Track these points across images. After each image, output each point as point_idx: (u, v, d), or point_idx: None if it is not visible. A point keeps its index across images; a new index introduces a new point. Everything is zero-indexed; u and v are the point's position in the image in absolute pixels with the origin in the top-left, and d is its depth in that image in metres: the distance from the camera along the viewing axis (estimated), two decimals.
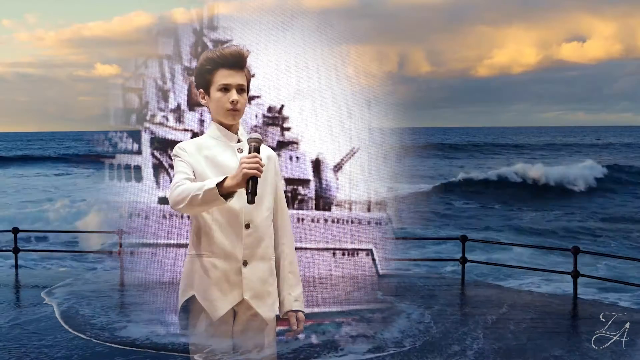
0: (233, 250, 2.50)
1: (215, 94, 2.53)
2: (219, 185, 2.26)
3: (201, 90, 2.58)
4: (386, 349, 5.55)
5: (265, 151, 2.61)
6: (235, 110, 2.52)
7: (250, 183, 2.26)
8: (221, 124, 2.57)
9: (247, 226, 2.51)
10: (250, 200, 2.28)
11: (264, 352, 2.62)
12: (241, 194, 2.46)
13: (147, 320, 6.03)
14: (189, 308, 2.55)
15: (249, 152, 2.34)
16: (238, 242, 2.50)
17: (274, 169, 2.65)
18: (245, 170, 2.25)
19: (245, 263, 2.52)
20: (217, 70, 2.52)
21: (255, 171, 2.26)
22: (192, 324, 2.54)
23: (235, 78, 2.52)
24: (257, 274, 2.54)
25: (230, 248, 2.49)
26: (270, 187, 2.61)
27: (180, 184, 2.37)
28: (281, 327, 2.73)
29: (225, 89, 2.52)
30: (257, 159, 2.28)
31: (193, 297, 2.52)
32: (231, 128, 2.56)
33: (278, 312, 2.66)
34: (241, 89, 2.54)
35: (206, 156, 2.49)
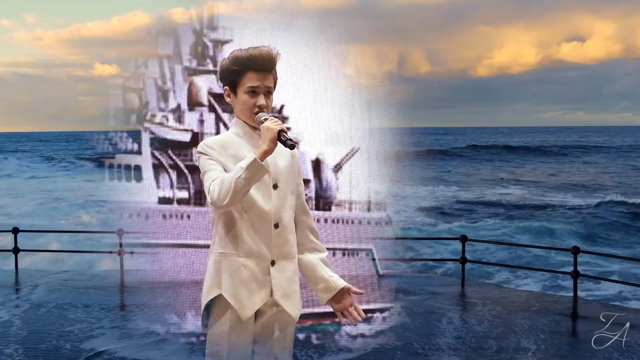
0: (262, 249, 2.50)
1: (242, 95, 2.53)
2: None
3: (227, 87, 2.57)
4: (377, 348, 5.56)
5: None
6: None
7: (281, 136, 2.39)
8: (246, 123, 2.57)
9: (276, 226, 2.52)
10: (292, 145, 2.40)
11: (284, 346, 2.63)
12: (270, 194, 2.50)
13: (131, 329, 6.02)
14: (214, 308, 2.53)
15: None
16: (267, 242, 2.51)
17: (297, 167, 2.67)
18: (272, 127, 2.38)
19: (272, 262, 2.53)
20: (246, 72, 2.51)
21: (281, 125, 2.40)
22: (217, 324, 2.53)
23: (264, 81, 2.52)
24: (284, 273, 2.55)
25: (259, 248, 2.50)
26: (295, 186, 2.63)
27: (216, 178, 2.39)
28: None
29: (253, 92, 2.51)
30: (275, 119, 2.44)
31: (218, 296, 2.51)
32: (256, 128, 2.56)
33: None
34: (268, 92, 2.54)
35: (233, 155, 2.49)
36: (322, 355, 5.40)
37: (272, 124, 2.40)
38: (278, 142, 2.40)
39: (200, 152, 2.50)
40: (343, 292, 2.65)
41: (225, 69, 2.56)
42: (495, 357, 5.42)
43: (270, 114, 2.51)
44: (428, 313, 6.73)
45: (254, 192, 2.45)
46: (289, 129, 5.95)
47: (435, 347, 5.66)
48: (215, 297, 2.51)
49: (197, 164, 2.58)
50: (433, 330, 6.16)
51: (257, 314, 2.55)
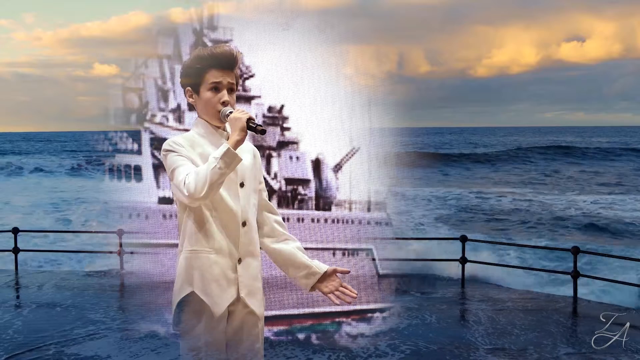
0: (231, 247, 2.52)
1: (205, 93, 2.53)
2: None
3: (189, 88, 2.57)
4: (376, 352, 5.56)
5: (249, 146, 2.66)
6: None
7: (250, 124, 2.41)
8: (209, 122, 2.57)
9: (244, 224, 2.55)
10: (263, 130, 2.42)
11: (257, 347, 2.63)
12: (237, 193, 2.52)
13: (130, 330, 5.99)
14: (186, 305, 2.53)
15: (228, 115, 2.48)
16: (235, 240, 2.53)
17: (259, 166, 2.69)
18: (240, 116, 2.41)
19: (239, 260, 2.54)
20: (208, 70, 2.52)
21: (248, 114, 2.43)
22: (190, 322, 2.53)
23: (226, 78, 2.54)
24: (249, 271, 2.57)
25: (229, 245, 2.52)
26: (257, 184, 2.65)
27: (190, 172, 2.39)
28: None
29: (216, 88, 2.52)
30: (241, 109, 2.46)
31: (190, 294, 2.51)
32: (219, 127, 2.57)
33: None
34: (231, 89, 2.56)
35: (200, 153, 2.50)
36: None
37: (239, 114, 2.42)
38: (248, 130, 2.41)
39: (168, 150, 2.49)
40: (327, 276, 2.66)
41: (188, 68, 2.57)
42: (494, 356, 5.42)
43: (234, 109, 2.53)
44: (429, 313, 6.73)
45: (222, 190, 2.46)
46: (288, 129, 5.96)
47: (431, 346, 5.66)
48: (186, 296, 2.51)
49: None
50: (431, 329, 6.17)
51: (228, 314, 2.55)
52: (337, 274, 2.67)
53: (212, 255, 2.50)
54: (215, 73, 2.51)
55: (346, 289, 2.66)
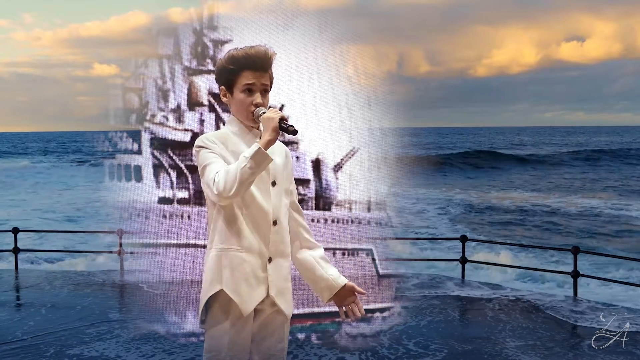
0: (261, 246, 2.52)
1: (238, 94, 2.53)
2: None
3: (223, 87, 2.57)
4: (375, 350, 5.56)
5: (282, 147, 2.66)
6: None
7: (282, 125, 2.41)
8: (242, 122, 2.57)
9: (275, 223, 2.55)
10: (295, 131, 2.42)
11: (281, 347, 2.64)
12: (268, 192, 2.53)
13: (131, 331, 5.99)
14: (214, 303, 2.52)
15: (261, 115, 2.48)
16: (266, 239, 2.53)
17: (290, 166, 2.69)
18: (273, 116, 2.41)
19: (270, 260, 2.54)
20: (242, 71, 2.52)
21: (281, 114, 2.43)
22: (217, 320, 2.52)
23: (260, 79, 2.53)
24: (280, 270, 2.57)
25: (259, 244, 2.51)
26: (288, 185, 2.65)
27: (220, 169, 2.39)
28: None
29: (250, 90, 2.52)
30: (274, 109, 2.46)
31: (219, 292, 2.49)
32: (253, 127, 2.58)
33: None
34: (265, 90, 2.55)
35: (232, 151, 2.50)
36: None
37: (272, 114, 2.42)
38: (280, 130, 2.41)
39: (201, 146, 2.49)
40: (345, 289, 2.66)
41: (222, 68, 2.56)
42: (495, 356, 5.42)
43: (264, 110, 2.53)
44: (429, 313, 6.73)
45: (253, 188, 2.47)
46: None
47: (426, 346, 5.66)
48: (215, 293, 2.50)
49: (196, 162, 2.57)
50: (430, 329, 6.17)
51: (255, 313, 2.55)
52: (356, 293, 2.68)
53: (242, 254, 2.49)
54: (248, 75, 2.51)
55: (357, 306, 2.68)
